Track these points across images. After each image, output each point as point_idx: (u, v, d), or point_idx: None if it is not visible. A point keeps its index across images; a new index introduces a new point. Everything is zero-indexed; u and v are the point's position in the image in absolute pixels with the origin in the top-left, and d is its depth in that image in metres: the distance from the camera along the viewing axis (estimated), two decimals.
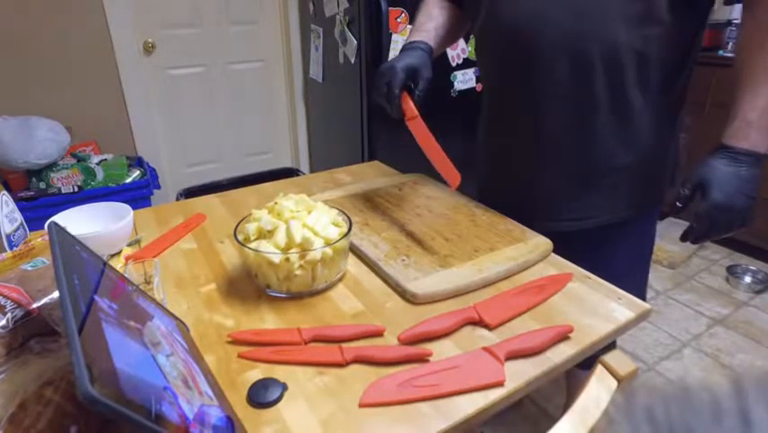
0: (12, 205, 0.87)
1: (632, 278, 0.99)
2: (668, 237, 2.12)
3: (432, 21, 0.99)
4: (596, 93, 0.83)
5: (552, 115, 0.87)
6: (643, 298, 1.05)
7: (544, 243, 0.86)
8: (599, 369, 0.59)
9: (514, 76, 0.89)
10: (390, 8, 2.13)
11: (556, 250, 0.86)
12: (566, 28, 0.79)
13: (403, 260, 0.82)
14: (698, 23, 0.83)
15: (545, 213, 0.95)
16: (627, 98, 0.83)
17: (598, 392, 0.56)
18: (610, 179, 0.90)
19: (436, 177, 1.18)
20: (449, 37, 1.03)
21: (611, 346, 0.65)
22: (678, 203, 0.79)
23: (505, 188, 1.03)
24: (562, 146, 0.89)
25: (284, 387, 0.57)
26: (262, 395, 0.56)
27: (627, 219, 0.94)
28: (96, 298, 0.46)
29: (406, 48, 0.93)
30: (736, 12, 2.39)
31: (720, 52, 2.40)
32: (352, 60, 2.27)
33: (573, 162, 0.90)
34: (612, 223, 0.93)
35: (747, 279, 2.20)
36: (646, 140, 0.88)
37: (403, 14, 2.18)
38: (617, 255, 0.96)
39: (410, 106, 0.86)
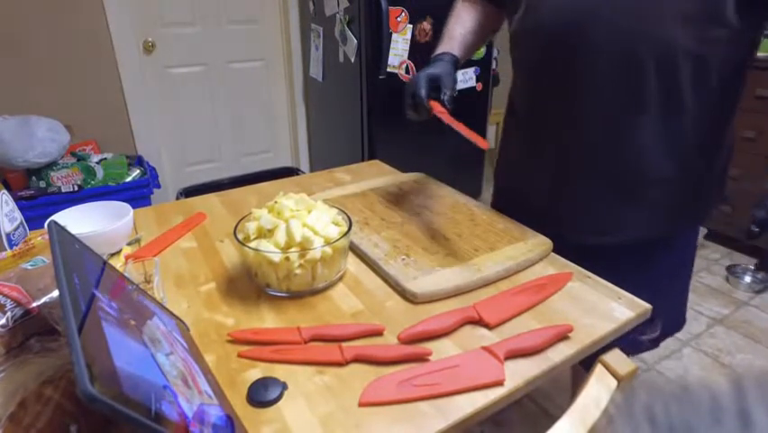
0: (12, 204, 0.87)
1: (669, 295, 0.95)
2: None
3: (459, 26, 1.00)
4: (645, 97, 0.77)
5: (594, 119, 0.82)
6: (683, 316, 1.00)
7: (544, 242, 0.86)
8: (599, 368, 0.59)
9: (554, 76, 0.84)
10: (390, 7, 2.12)
11: (586, 265, 0.82)
12: (615, 26, 0.74)
13: (403, 259, 0.82)
14: (765, 19, 0.75)
15: (580, 224, 0.90)
16: (680, 103, 0.77)
17: (597, 392, 0.56)
18: (653, 191, 0.84)
19: (436, 176, 1.19)
20: (479, 39, 1.02)
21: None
22: (753, 227, 0.71)
23: (531, 197, 0.97)
24: (602, 152, 0.84)
25: (284, 386, 0.57)
26: (262, 394, 0.56)
27: (669, 235, 0.89)
28: (97, 297, 0.46)
29: (432, 60, 0.95)
30: None
31: None
32: (353, 60, 2.27)
33: (614, 171, 0.84)
34: (652, 238, 0.88)
35: (747, 279, 2.20)
36: (694, 149, 0.81)
37: (403, 14, 2.18)
38: (654, 272, 0.91)
39: (437, 105, 0.88)
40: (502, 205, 1.02)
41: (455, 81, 0.91)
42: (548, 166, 0.91)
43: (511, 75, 0.98)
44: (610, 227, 0.88)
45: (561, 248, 0.87)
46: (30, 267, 0.66)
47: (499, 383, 0.58)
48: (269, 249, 0.71)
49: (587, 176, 0.87)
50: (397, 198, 1.06)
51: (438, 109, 0.87)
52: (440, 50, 0.97)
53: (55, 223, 0.51)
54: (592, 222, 0.89)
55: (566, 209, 0.91)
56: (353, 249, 0.87)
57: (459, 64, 0.96)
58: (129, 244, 0.90)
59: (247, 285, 0.78)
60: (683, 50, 0.73)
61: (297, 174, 1.88)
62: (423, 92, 0.86)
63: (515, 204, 1.00)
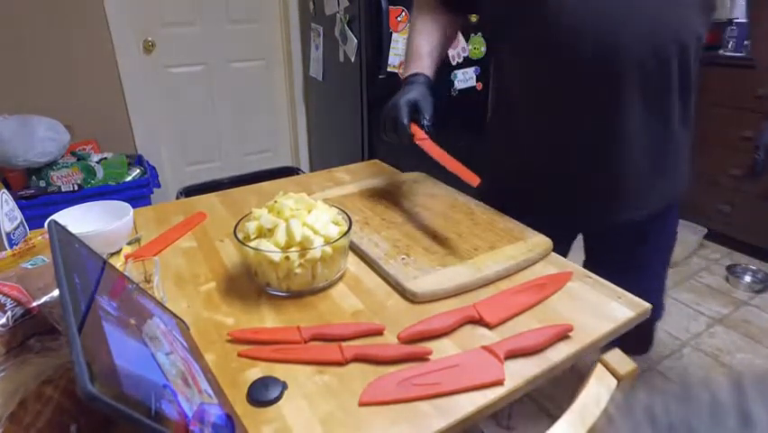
0: (12, 203, 0.87)
1: (662, 270, 1.05)
2: None
3: (426, 42, 0.99)
4: (671, 79, 0.83)
5: (629, 107, 0.84)
6: (663, 292, 1.08)
7: (544, 241, 0.86)
8: (599, 368, 0.59)
9: (582, 74, 0.84)
10: (391, 7, 2.12)
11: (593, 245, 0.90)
12: (648, 17, 0.78)
13: (403, 258, 0.82)
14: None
15: (616, 203, 0.94)
16: (689, 79, 0.85)
17: (597, 391, 0.56)
18: (676, 159, 0.92)
19: (436, 176, 1.19)
20: (445, 51, 1.03)
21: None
22: (757, 169, 0.87)
23: (548, 189, 0.98)
24: (637, 135, 0.87)
25: (284, 385, 0.57)
26: (262, 394, 0.56)
27: (674, 204, 0.98)
28: (97, 296, 0.46)
29: (406, 82, 0.95)
30: (736, 11, 2.39)
31: (720, 51, 2.40)
32: (353, 59, 2.26)
33: (648, 148, 0.88)
34: (663, 209, 0.97)
35: (747, 278, 2.20)
36: (693, 120, 0.91)
37: (403, 13, 2.17)
38: (654, 247, 1.01)
39: (419, 131, 0.89)
40: (505, 204, 1.00)
41: (433, 105, 0.91)
42: (576, 156, 0.91)
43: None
44: (642, 201, 0.94)
45: (567, 237, 0.97)
46: (30, 266, 0.66)
47: (499, 383, 0.58)
48: (270, 248, 0.71)
49: (624, 158, 0.89)
50: (397, 198, 1.06)
51: (420, 136, 0.87)
52: (411, 69, 0.96)
53: (55, 222, 0.51)
54: (629, 199, 0.94)
55: (601, 193, 0.94)
56: (353, 248, 0.87)
57: (431, 83, 0.96)
58: (129, 243, 0.90)
59: (247, 285, 0.78)
60: (694, 33, 0.82)
61: (297, 174, 1.88)
62: (405, 120, 0.87)
63: (518, 199, 0.99)
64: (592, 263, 1.03)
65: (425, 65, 0.97)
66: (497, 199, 1.03)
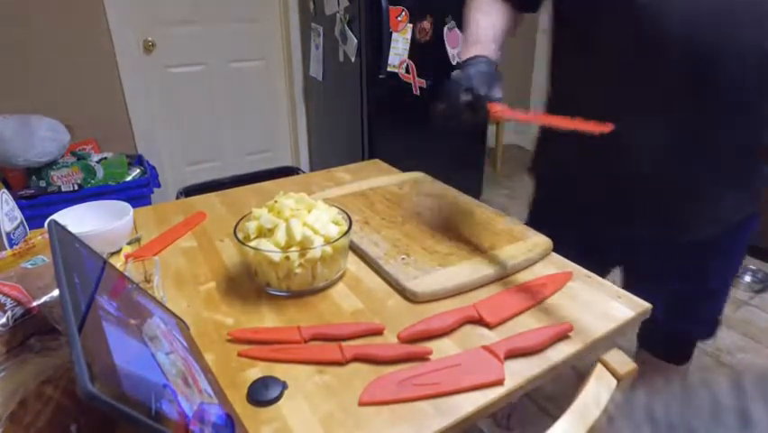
0: (12, 203, 0.87)
1: (723, 285, 0.99)
2: None
3: (491, 28, 0.88)
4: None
5: (724, 111, 0.79)
6: (719, 312, 1.03)
7: (544, 242, 0.86)
8: (599, 368, 0.59)
9: (669, 78, 0.78)
10: (391, 6, 2.12)
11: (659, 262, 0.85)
12: (751, 19, 0.73)
13: (403, 258, 0.82)
14: None
15: (695, 219, 0.88)
16: None
17: (597, 391, 0.56)
18: (760, 181, 0.88)
19: (436, 176, 1.19)
20: (503, 41, 0.92)
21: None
22: None
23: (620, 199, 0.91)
24: (727, 152, 0.82)
25: (284, 385, 0.57)
26: (262, 393, 0.56)
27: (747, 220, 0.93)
28: (97, 296, 0.46)
29: (467, 62, 0.82)
30: None
31: None
32: (353, 59, 2.26)
33: (731, 168, 0.84)
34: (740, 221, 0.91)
35: (747, 278, 2.20)
36: None
37: (403, 13, 2.18)
38: (730, 262, 0.97)
39: (494, 104, 0.76)
40: (563, 214, 0.94)
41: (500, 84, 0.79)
42: (650, 163, 0.84)
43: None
44: (717, 215, 0.87)
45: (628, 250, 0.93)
46: (30, 266, 0.66)
47: (499, 383, 0.58)
48: (270, 248, 0.71)
49: (704, 167, 0.83)
50: (396, 198, 1.06)
51: (497, 108, 0.75)
52: (473, 52, 0.83)
53: (55, 222, 0.51)
54: (703, 212, 0.87)
55: (684, 206, 0.87)
56: (353, 248, 0.87)
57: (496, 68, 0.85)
58: (129, 243, 0.90)
59: (247, 284, 0.78)
60: None
61: (297, 173, 1.88)
62: (482, 90, 0.74)
63: (569, 212, 0.94)
64: (646, 280, 0.94)
65: (490, 49, 0.85)
66: (547, 212, 0.98)
